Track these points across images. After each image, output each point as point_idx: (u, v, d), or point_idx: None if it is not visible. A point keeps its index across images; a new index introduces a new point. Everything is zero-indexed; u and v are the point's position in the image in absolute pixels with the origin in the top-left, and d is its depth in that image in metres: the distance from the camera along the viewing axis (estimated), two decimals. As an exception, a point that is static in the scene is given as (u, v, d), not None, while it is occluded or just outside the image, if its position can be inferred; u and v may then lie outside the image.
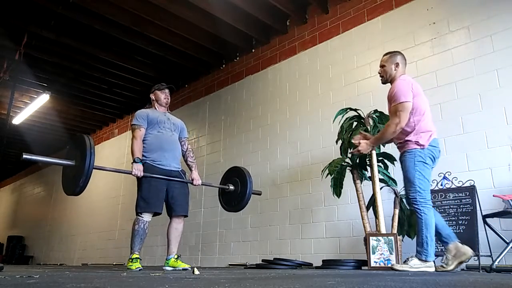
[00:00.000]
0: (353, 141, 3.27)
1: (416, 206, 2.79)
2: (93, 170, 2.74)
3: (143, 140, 3.35)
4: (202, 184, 3.63)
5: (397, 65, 3.06)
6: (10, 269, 2.90)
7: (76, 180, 2.72)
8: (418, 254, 2.78)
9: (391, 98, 2.92)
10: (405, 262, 2.83)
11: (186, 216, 3.41)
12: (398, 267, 2.81)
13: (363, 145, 3.08)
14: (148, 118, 3.39)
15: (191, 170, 3.59)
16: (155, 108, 3.58)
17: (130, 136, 3.41)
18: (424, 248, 2.75)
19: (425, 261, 2.75)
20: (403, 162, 2.91)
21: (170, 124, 3.50)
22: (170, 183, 3.32)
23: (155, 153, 3.31)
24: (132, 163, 3.18)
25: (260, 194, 4.09)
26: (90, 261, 8.61)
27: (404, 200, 3.67)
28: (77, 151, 2.78)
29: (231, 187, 3.76)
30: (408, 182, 2.84)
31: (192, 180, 3.51)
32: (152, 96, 3.61)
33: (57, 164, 2.91)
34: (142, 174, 3.15)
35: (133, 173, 3.12)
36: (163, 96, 3.57)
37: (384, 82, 3.17)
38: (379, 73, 3.17)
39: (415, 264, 2.75)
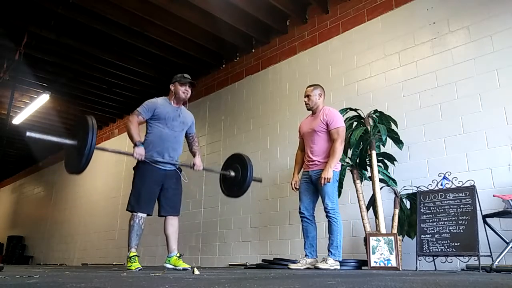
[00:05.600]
0: (294, 186, 3.76)
1: (334, 216, 3.41)
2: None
3: (148, 132, 3.35)
4: (203, 169, 3.63)
5: (320, 95, 3.67)
6: (10, 269, 2.90)
7: (78, 159, 2.76)
8: (333, 256, 3.35)
9: (330, 122, 3.50)
10: (323, 261, 3.35)
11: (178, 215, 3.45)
12: (321, 265, 3.30)
13: (328, 171, 3.39)
14: (155, 112, 3.31)
15: (194, 156, 3.59)
16: (170, 101, 3.43)
17: (127, 120, 3.36)
18: (339, 250, 3.39)
19: (337, 260, 3.36)
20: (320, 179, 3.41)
21: (179, 122, 3.42)
22: (165, 182, 3.31)
23: (155, 150, 3.29)
24: (133, 147, 3.17)
25: (260, 181, 4.11)
26: (90, 261, 8.61)
27: (404, 200, 3.67)
28: (80, 131, 2.83)
29: (232, 173, 3.75)
30: (328, 195, 3.42)
31: (194, 165, 3.50)
32: (171, 87, 3.43)
33: (60, 143, 2.99)
34: (143, 157, 3.15)
35: (134, 155, 3.12)
36: (182, 89, 3.38)
37: (309, 109, 3.73)
38: (305, 101, 3.70)
39: (332, 264, 3.31)
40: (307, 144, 3.69)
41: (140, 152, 3.14)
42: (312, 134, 3.60)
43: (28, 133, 2.66)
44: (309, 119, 3.76)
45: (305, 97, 3.70)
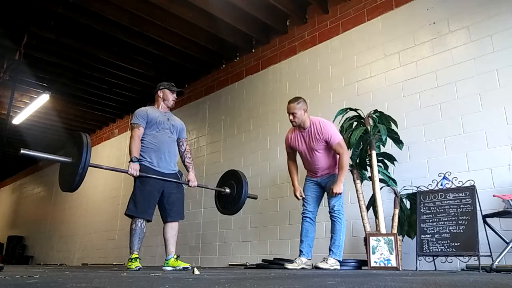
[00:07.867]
0: (299, 195, 3.70)
1: (338, 216, 3.47)
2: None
3: (141, 140, 3.34)
4: (198, 186, 3.62)
5: (305, 110, 3.52)
6: (10, 269, 2.90)
7: (72, 177, 2.75)
8: (334, 255, 3.38)
9: (329, 139, 3.45)
10: (324, 260, 3.37)
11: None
12: (322, 265, 3.31)
13: (339, 186, 3.44)
14: (147, 118, 3.36)
15: (188, 171, 3.58)
16: (157, 107, 3.51)
17: (130, 136, 3.40)
18: (340, 250, 3.41)
19: (338, 260, 3.38)
20: (331, 182, 3.53)
21: (169, 125, 3.46)
22: (166, 188, 3.31)
23: (152, 154, 3.30)
24: (129, 162, 3.18)
25: (256, 198, 4.07)
26: (90, 261, 8.61)
27: (404, 200, 3.67)
28: (74, 148, 2.83)
29: (227, 190, 3.76)
30: (337, 197, 3.49)
31: (188, 181, 3.51)
32: (160, 93, 3.51)
33: (54, 160, 2.96)
34: (138, 173, 3.15)
35: (129, 172, 3.12)
36: (172, 97, 3.51)
37: (296, 126, 3.59)
38: (290, 120, 3.54)
39: (332, 263, 3.33)
40: (307, 161, 3.65)
41: (135, 168, 3.15)
42: (313, 154, 3.56)
43: (22, 151, 2.64)
44: (299, 135, 3.62)
45: (289, 114, 3.52)
